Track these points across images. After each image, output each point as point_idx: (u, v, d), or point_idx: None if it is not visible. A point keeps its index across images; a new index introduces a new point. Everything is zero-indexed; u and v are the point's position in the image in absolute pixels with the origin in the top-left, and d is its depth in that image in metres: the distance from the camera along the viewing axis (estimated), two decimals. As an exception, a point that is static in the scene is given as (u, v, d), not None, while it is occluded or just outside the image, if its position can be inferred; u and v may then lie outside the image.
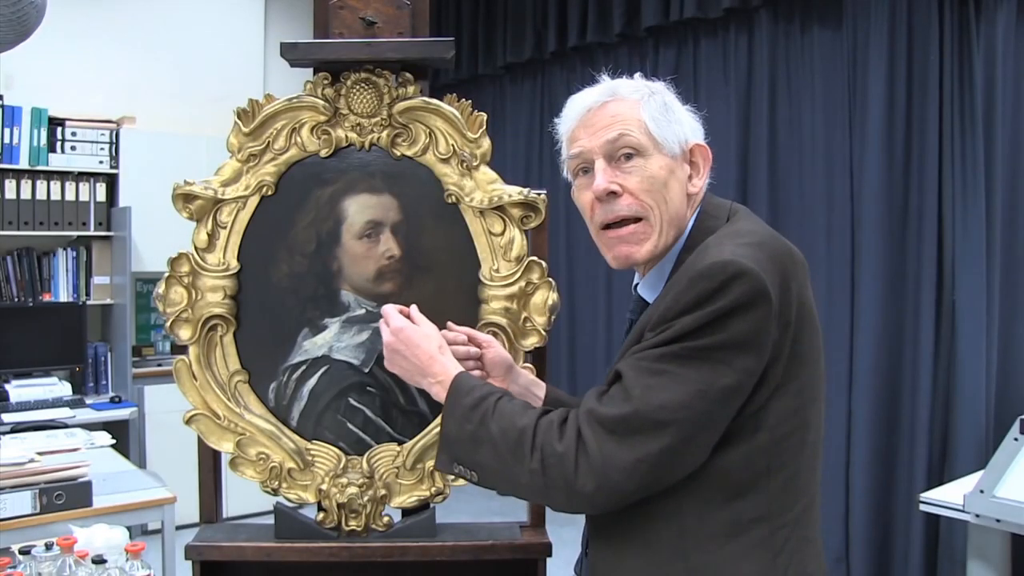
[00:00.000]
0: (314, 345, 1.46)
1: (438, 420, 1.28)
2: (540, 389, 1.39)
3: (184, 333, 1.44)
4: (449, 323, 1.39)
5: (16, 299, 4.13)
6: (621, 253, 1.17)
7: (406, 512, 1.47)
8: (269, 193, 1.44)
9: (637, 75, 1.22)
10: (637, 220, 1.15)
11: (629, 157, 1.15)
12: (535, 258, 1.44)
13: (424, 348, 1.25)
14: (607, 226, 1.17)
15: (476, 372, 1.34)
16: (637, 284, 1.24)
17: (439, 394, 1.22)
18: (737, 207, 1.20)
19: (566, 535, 1.70)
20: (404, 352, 1.26)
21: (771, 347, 1.04)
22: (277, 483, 1.45)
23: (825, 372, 1.17)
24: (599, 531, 1.20)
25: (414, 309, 1.33)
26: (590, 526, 1.23)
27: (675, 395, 1.02)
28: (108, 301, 4.34)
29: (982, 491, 2.27)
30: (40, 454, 2.26)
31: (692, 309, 1.03)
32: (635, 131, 1.14)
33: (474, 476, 1.16)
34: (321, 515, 1.46)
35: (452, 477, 1.43)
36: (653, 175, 1.14)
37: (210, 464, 1.49)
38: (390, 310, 1.31)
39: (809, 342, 1.10)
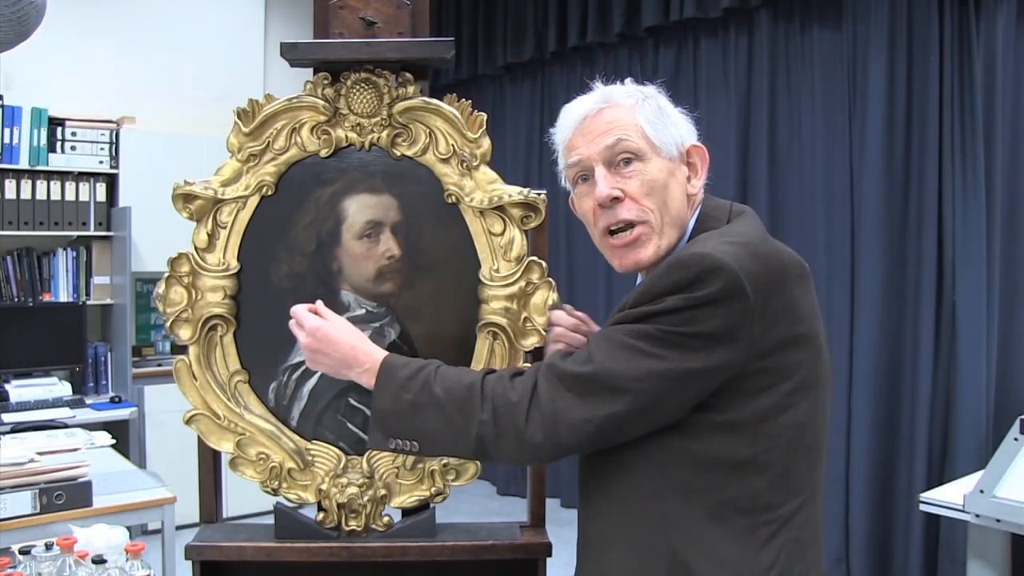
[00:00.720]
0: (314, 345, 1.46)
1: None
2: None
3: (184, 333, 1.44)
4: (565, 306, 1.38)
5: (16, 299, 4.13)
6: (628, 261, 1.18)
7: (406, 512, 1.47)
8: (269, 193, 1.44)
9: (628, 80, 1.23)
10: (640, 223, 1.15)
11: (628, 162, 1.15)
12: (535, 258, 1.44)
13: (343, 341, 1.25)
14: (611, 232, 1.17)
15: None
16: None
17: (368, 381, 1.22)
18: (740, 209, 1.20)
19: (566, 535, 1.70)
20: (324, 349, 1.26)
21: (749, 342, 1.04)
22: (277, 483, 1.45)
23: (831, 377, 1.16)
24: (585, 507, 1.21)
25: (320, 304, 1.32)
26: (578, 500, 1.24)
27: (635, 367, 1.04)
28: (108, 301, 4.34)
29: (982, 491, 2.27)
30: (40, 454, 2.26)
31: (667, 294, 1.04)
32: (633, 136, 1.15)
33: (415, 446, 1.17)
34: (321, 515, 1.46)
35: (452, 476, 1.44)
36: (653, 178, 1.15)
37: (210, 464, 1.49)
38: (300, 310, 1.30)
39: (806, 344, 1.09)
